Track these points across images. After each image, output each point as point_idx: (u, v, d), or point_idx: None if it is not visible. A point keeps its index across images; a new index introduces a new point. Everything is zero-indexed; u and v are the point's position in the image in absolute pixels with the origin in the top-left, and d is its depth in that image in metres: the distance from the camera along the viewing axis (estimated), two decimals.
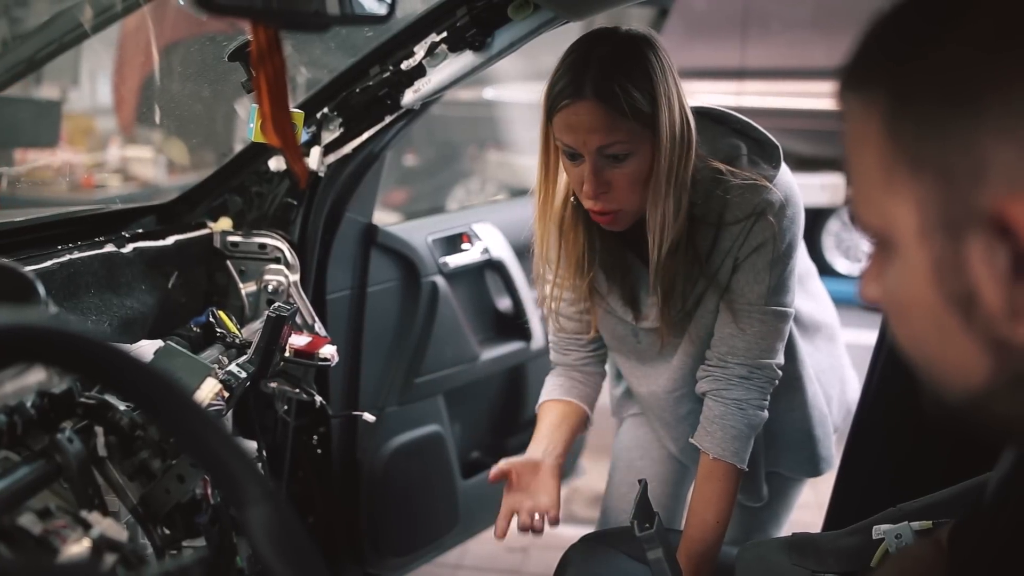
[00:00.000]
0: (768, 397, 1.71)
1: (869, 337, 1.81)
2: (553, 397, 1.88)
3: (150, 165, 4.86)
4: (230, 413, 1.68)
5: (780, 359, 1.71)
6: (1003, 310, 0.64)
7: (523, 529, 1.73)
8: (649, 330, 1.78)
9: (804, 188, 1.69)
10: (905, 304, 0.71)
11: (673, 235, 1.59)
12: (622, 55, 1.52)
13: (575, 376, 1.89)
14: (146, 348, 1.61)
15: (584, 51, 1.54)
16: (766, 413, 1.71)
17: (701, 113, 1.67)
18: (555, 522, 1.72)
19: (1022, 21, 0.64)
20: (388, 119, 2.01)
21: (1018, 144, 0.62)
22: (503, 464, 1.73)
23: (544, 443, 1.79)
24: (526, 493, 1.74)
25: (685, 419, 1.85)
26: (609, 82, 1.49)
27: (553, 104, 1.54)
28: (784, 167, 1.66)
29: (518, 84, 6.22)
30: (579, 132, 1.52)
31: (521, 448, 2.84)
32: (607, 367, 2.01)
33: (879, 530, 1.41)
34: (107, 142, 5.18)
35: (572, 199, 1.66)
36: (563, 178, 1.65)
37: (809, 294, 1.92)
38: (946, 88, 0.66)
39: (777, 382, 1.72)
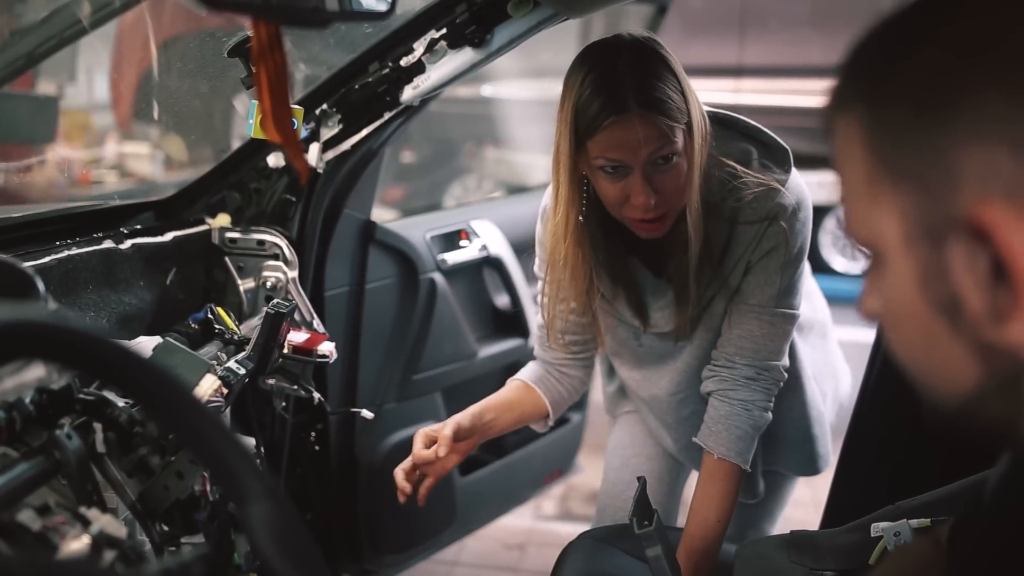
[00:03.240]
0: (773, 398, 1.72)
1: (866, 335, 1.81)
2: (523, 379, 1.90)
3: (147, 161, 4.85)
4: (228, 410, 1.68)
5: (786, 361, 1.72)
6: (986, 313, 0.65)
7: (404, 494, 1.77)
8: (653, 334, 1.78)
9: None
10: (897, 314, 0.73)
11: (703, 227, 1.60)
12: (645, 59, 1.52)
13: (551, 372, 1.90)
14: (145, 344, 1.61)
15: (605, 65, 1.51)
16: (770, 415, 1.72)
17: (709, 117, 1.67)
18: (423, 497, 1.79)
19: (989, 31, 0.65)
20: (387, 116, 2.01)
21: (989, 150, 0.64)
22: (450, 432, 1.75)
23: (489, 416, 1.84)
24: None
25: (687, 420, 1.85)
26: (650, 89, 1.48)
27: (592, 126, 1.50)
28: (794, 171, 1.66)
29: (516, 81, 6.21)
30: (630, 146, 1.49)
31: (520, 445, 2.85)
32: (598, 365, 2.02)
33: (877, 528, 1.41)
34: (104, 138, 5.16)
35: (580, 218, 1.64)
36: (571, 199, 1.63)
37: (803, 293, 1.92)
38: (918, 98, 0.67)
39: (782, 383, 1.72)
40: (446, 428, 1.74)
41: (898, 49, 0.69)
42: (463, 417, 1.79)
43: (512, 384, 1.91)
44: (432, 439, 1.75)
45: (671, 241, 1.63)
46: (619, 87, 1.48)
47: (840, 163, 0.74)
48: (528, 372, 1.92)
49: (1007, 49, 0.64)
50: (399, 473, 1.75)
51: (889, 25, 0.71)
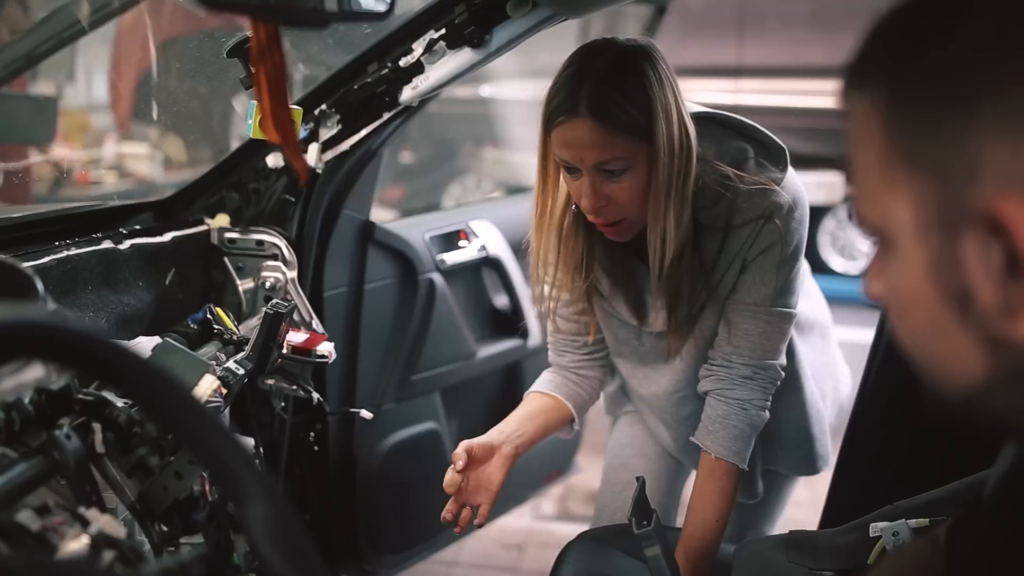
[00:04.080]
0: (770, 397, 1.72)
1: (865, 335, 1.81)
2: (539, 389, 1.88)
3: (146, 162, 4.85)
4: (227, 410, 1.68)
5: (783, 360, 1.72)
6: (998, 307, 0.65)
7: (445, 521, 1.73)
8: (652, 333, 1.78)
9: None
10: (904, 300, 0.72)
11: (676, 247, 1.59)
12: (617, 69, 1.51)
13: (569, 376, 1.89)
14: (144, 344, 1.61)
15: (580, 65, 1.53)
16: (768, 413, 1.72)
17: (705, 117, 1.67)
18: (479, 524, 1.72)
19: (1018, 22, 0.64)
20: (386, 116, 2.01)
21: (1011, 144, 0.63)
22: (463, 447, 1.69)
23: (512, 427, 1.78)
24: (472, 481, 1.72)
25: (687, 420, 1.85)
26: (603, 99, 1.48)
27: (550, 120, 1.53)
28: (790, 169, 1.66)
29: (515, 81, 6.22)
30: (576, 149, 1.51)
31: None
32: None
33: (876, 527, 1.41)
34: (103, 138, 5.16)
35: (573, 207, 1.65)
36: (563, 186, 1.64)
37: (803, 293, 1.91)
38: (943, 88, 0.66)
39: (779, 383, 1.72)
40: (458, 449, 1.70)
41: (923, 37, 0.68)
42: (477, 438, 1.73)
43: (528, 396, 1.89)
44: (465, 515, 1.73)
45: None
46: (578, 90, 1.49)
47: (854, 144, 0.73)
48: (543, 382, 1.90)
49: None
50: (447, 516, 1.72)
51: (915, 10, 0.70)
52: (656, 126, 1.50)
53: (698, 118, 1.64)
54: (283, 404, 2.05)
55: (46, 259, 1.69)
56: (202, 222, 2.13)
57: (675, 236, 1.57)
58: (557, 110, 1.51)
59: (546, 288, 1.76)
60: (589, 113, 1.48)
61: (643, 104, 1.49)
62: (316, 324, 2.10)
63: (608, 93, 1.48)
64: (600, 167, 1.51)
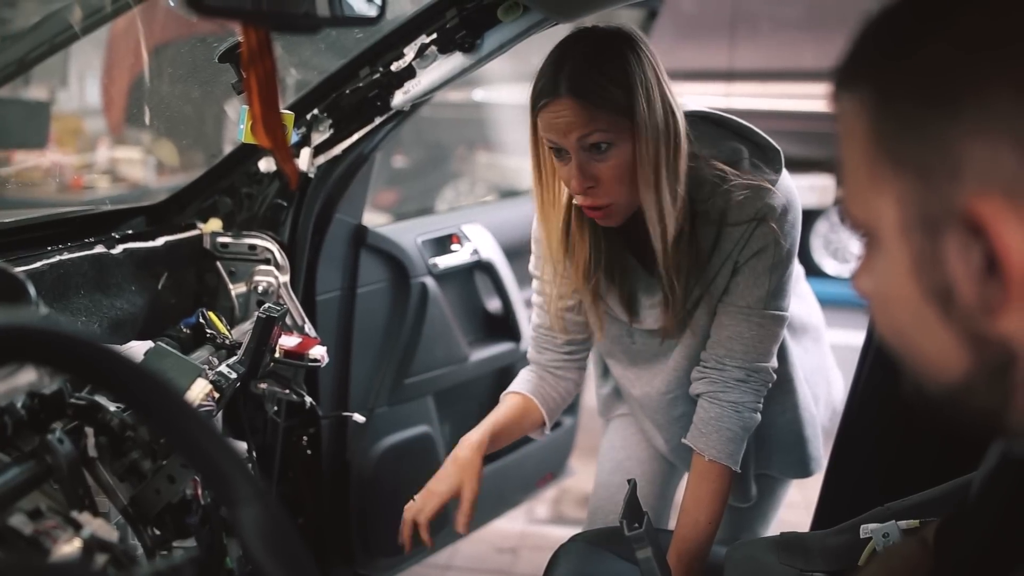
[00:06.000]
0: (762, 400, 1.72)
1: (857, 338, 1.82)
2: (515, 390, 1.90)
3: (139, 166, 4.85)
4: (220, 414, 1.68)
5: (775, 362, 1.72)
6: (977, 304, 0.66)
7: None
8: (645, 331, 1.78)
9: None
10: (888, 297, 0.73)
11: (675, 225, 1.60)
12: (596, 50, 1.54)
13: (545, 377, 1.91)
14: (136, 349, 1.61)
15: (561, 51, 1.56)
16: (760, 416, 1.72)
17: (701, 117, 1.68)
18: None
19: (1001, 23, 0.65)
20: (378, 120, 2.01)
21: (992, 145, 0.64)
22: (409, 520, 1.77)
23: (480, 433, 1.82)
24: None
25: (678, 420, 1.85)
26: (583, 77, 1.51)
27: (535, 104, 1.57)
28: (784, 172, 1.67)
29: (507, 85, 6.22)
30: (559, 128, 1.54)
31: (512, 449, 2.85)
32: (591, 367, 2.02)
33: (867, 529, 1.42)
34: (96, 143, 5.16)
35: (575, 200, 1.66)
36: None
37: (797, 296, 1.92)
38: (927, 88, 0.67)
39: (771, 385, 1.73)
40: (404, 525, 1.76)
41: (910, 37, 0.69)
42: (429, 506, 1.78)
43: (508, 400, 1.90)
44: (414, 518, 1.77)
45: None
46: (559, 72, 1.53)
47: (843, 144, 0.74)
48: (522, 382, 1.92)
49: (1020, 47, 0.64)
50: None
51: (903, 10, 0.71)
52: (636, 102, 1.52)
53: (694, 117, 1.65)
54: (276, 408, 2.05)
55: (38, 264, 1.69)
56: (195, 226, 2.13)
57: (672, 211, 1.58)
58: (540, 94, 1.55)
59: (550, 286, 1.77)
60: (569, 92, 1.51)
61: (622, 81, 1.52)
62: (308, 328, 2.10)
63: (587, 72, 1.52)
64: (584, 142, 1.53)
